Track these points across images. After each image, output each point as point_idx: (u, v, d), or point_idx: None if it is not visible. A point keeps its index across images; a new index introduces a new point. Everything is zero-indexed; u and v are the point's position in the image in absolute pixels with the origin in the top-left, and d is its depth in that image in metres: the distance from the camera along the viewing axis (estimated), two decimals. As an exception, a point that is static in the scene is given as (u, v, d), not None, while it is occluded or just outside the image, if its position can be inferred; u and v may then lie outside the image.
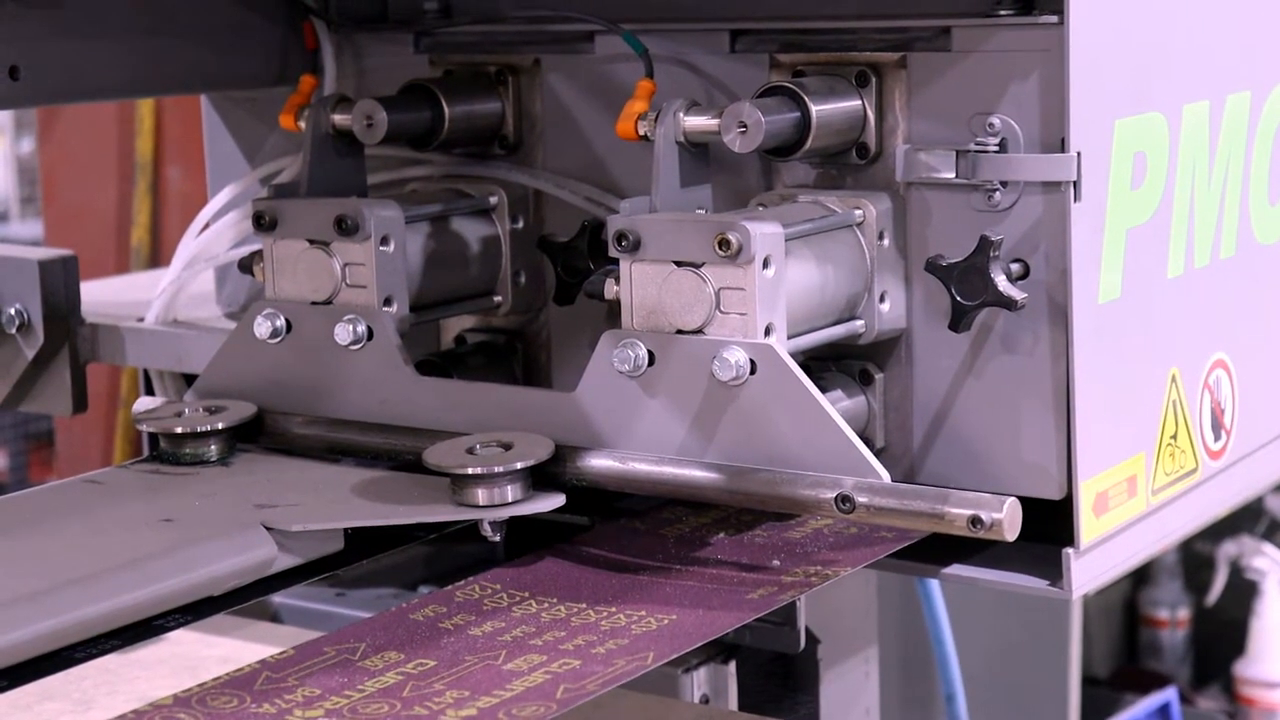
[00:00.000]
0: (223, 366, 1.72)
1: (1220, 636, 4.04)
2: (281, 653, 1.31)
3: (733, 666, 1.79)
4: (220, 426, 1.64)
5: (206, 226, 1.93)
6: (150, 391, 2.02)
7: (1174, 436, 1.64)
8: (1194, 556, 4.05)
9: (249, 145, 1.99)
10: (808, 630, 1.84)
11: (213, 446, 1.64)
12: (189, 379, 1.92)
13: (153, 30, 1.80)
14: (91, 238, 3.73)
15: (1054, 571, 1.52)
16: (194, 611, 1.42)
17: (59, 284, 1.91)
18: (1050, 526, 1.52)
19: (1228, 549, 3.94)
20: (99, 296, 2.04)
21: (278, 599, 2.01)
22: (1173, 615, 4.09)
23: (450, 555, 1.81)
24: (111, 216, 3.80)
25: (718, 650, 1.79)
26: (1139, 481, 1.60)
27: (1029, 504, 1.43)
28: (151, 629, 1.40)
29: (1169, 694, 3.43)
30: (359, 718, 1.21)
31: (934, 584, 2.32)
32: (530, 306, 1.82)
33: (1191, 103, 1.63)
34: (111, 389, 3.64)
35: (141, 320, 1.97)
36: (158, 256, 3.71)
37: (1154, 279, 1.61)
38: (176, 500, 1.55)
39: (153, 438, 1.71)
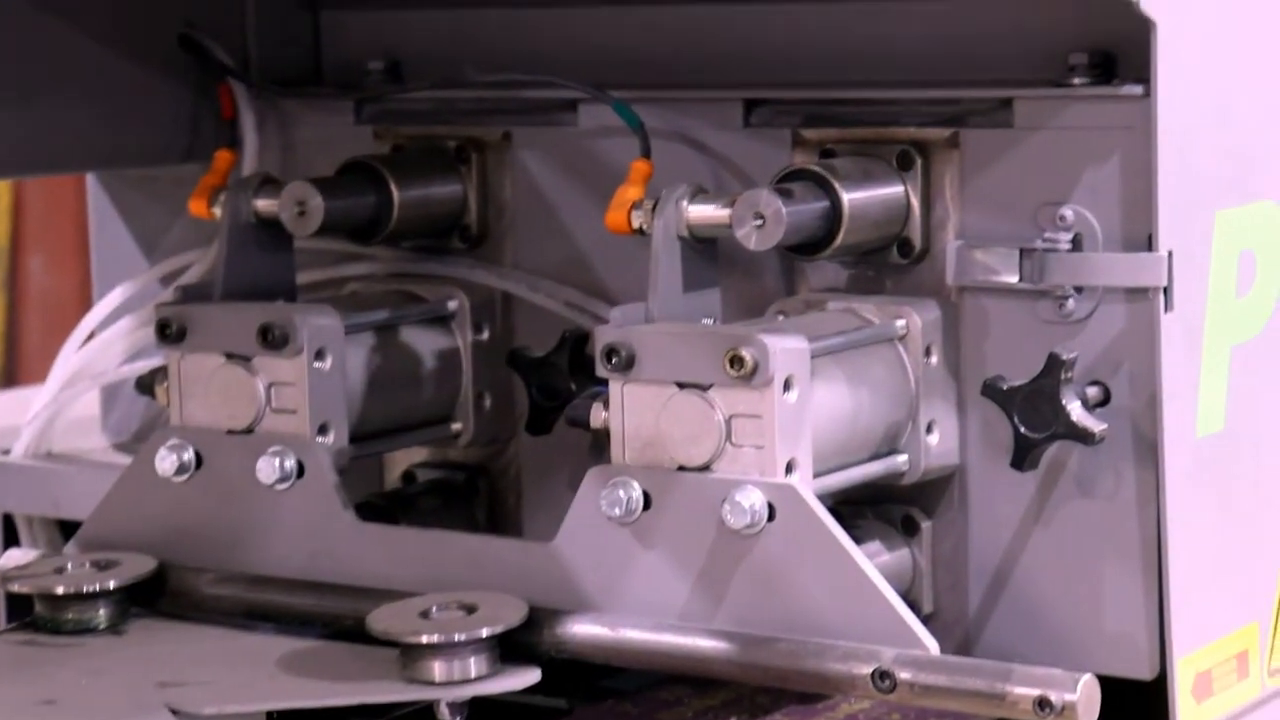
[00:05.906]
0: (113, 511, 1.76)
1: None
2: None
3: None
4: (112, 586, 1.67)
5: (91, 336, 1.96)
6: (15, 542, 2.05)
7: (1294, 602, 1.68)
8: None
9: (147, 236, 2.04)
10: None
11: (102, 611, 1.67)
12: (66, 527, 1.96)
13: (33, 97, 1.84)
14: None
15: (1145, 769, 1.55)
16: (83, 815, 1.46)
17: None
18: (1140, 712, 1.56)
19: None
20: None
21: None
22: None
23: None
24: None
25: None
26: (1251, 658, 1.63)
27: (1114, 684, 1.46)
28: (32, 836, 1.44)
29: None
30: None
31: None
32: (497, 436, 1.86)
33: (1309, 190, 1.66)
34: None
35: (7, 453, 2.01)
36: (15, 371, 3.71)
37: (1265, 406, 1.64)
38: (58, 678, 1.58)
39: (23, 600, 1.73)
